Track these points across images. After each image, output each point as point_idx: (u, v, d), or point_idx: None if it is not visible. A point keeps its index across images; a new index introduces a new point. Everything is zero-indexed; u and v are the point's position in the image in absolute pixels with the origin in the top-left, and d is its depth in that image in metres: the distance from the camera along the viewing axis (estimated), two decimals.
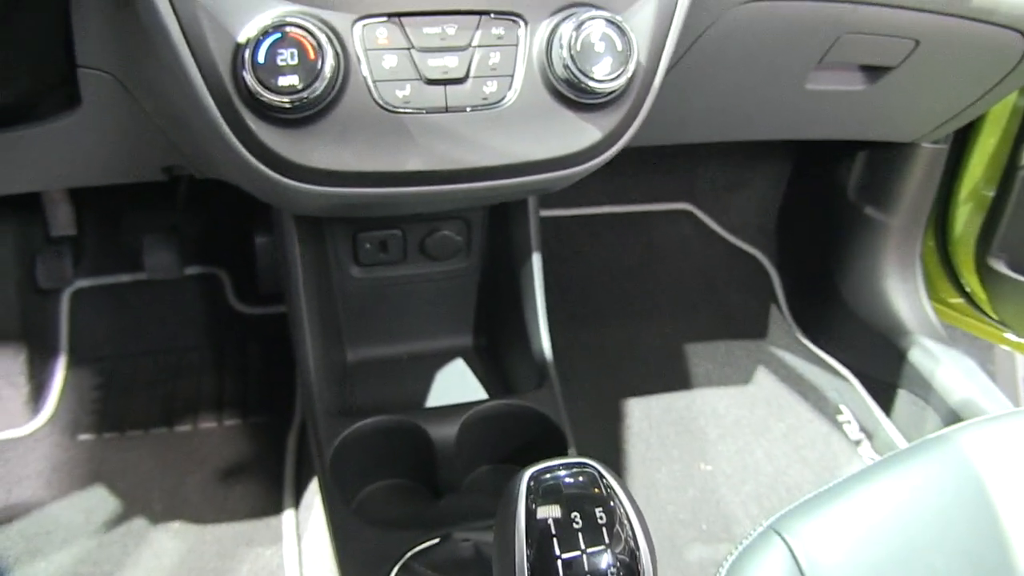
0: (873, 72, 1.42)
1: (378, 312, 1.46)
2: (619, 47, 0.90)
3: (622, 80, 0.91)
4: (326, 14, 0.86)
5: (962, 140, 1.81)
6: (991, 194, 1.78)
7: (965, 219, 1.86)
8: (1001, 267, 1.77)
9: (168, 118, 1.09)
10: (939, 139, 1.77)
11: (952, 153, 1.81)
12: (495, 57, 0.90)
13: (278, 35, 0.82)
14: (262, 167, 0.90)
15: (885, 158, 1.83)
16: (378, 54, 0.87)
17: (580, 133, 0.95)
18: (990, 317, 1.91)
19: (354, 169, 0.90)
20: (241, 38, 0.84)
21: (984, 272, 1.80)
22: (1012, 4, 1.29)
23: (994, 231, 1.75)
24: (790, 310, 2.09)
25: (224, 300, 1.96)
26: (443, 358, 1.47)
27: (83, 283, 1.91)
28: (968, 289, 1.91)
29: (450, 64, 0.89)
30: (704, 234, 2.18)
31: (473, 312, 1.51)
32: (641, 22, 0.94)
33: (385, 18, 0.87)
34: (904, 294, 1.88)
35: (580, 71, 0.89)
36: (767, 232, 2.17)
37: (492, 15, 0.90)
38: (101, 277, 1.93)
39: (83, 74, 1.01)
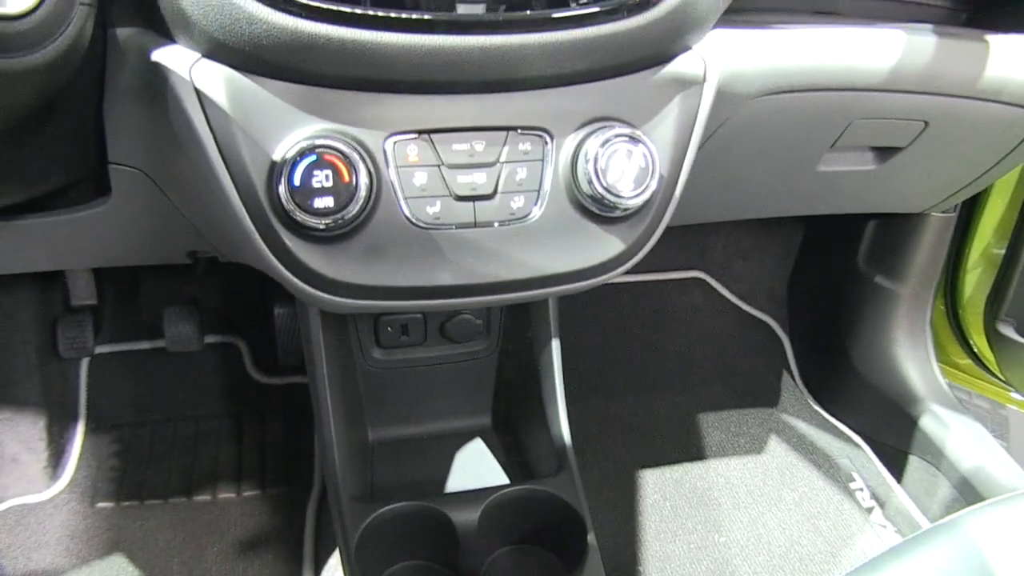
0: (883, 152, 1.45)
1: (399, 393, 1.48)
2: (642, 164, 0.92)
3: (644, 196, 0.94)
4: (358, 131, 0.89)
5: (971, 205, 1.84)
6: (1000, 257, 1.80)
7: (974, 282, 1.88)
8: (1010, 332, 1.79)
9: (197, 213, 1.11)
10: (948, 208, 1.80)
11: (961, 218, 1.84)
12: (522, 173, 0.93)
13: (313, 157, 0.85)
14: (295, 280, 0.93)
15: (895, 228, 1.85)
16: (409, 171, 0.90)
17: (603, 245, 0.98)
18: (998, 378, 1.92)
19: (385, 284, 0.92)
20: (276, 156, 0.88)
21: (993, 336, 1.82)
22: (1019, 83, 1.32)
23: (1003, 295, 1.77)
24: (801, 377, 2.11)
25: (243, 369, 1.98)
26: (462, 438, 1.48)
27: (103, 349, 1.93)
28: (976, 350, 1.92)
29: (479, 180, 0.92)
30: (716, 302, 2.20)
31: (491, 392, 1.52)
32: (662, 134, 0.97)
33: (415, 135, 0.90)
34: (915, 361, 1.89)
35: (605, 188, 0.92)
36: (778, 299, 2.19)
37: (519, 131, 0.92)
38: (121, 344, 1.95)
39: (114, 169, 1.04)
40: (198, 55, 0.87)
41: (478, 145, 0.91)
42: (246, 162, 0.88)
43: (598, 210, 0.95)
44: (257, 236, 0.90)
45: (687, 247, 2.22)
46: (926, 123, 1.34)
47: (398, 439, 1.49)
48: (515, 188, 0.93)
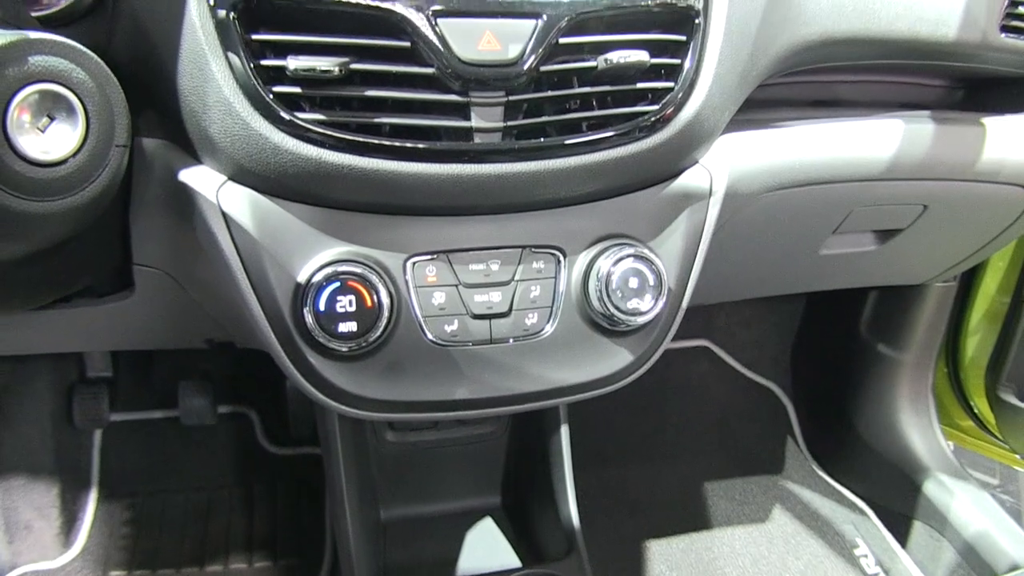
0: (884, 234, 1.49)
1: (411, 473, 1.51)
2: (651, 282, 0.97)
3: (653, 314, 0.98)
4: (379, 254, 0.93)
5: (970, 273, 1.87)
6: (1000, 323, 1.84)
7: (975, 347, 1.91)
8: (1010, 397, 1.82)
9: (218, 311, 1.15)
10: (949, 278, 1.83)
11: (961, 283, 1.88)
12: (536, 290, 0.97)
13: (337, 283, 0.89)
14: (317, 393, 0.97)
15: (896, 297, 1.89)
16: (428, 292, 0.95)
17: (613, 358, 1.02)
18: (999, 439, 1.94)
19: (405, 399, 0.96)
20: (301, 278, 0.91)
21: (994, 400, 1.85)
22: (1015, 163, 1.36)
23: (1004, 361, 1.80)
24: (806, 443, 2.14)
25: (254, 440, 2.01)
26: (473, 517, 1.51)
27: (117, 417, 1.96)
28: (977, 411, 1.95)
29: (494, 299, 0.96)
30: (721, 369, 2.23)
31: (501, 473, 1.56)
32: (670, 249, 1.01)
33: (434, 255, 0.94)
34: (918, 428, 1.92)
35: (614, 307, 0.96)
36: (782, 366, 2.22)
37: (532, 249, 0.96)
38: (134, 412, 1.98)
39: (138, 270, 1.08)
40: (224, 178, 0.90)
41: (494, 264, 0.95)
42: (272, 283, 0.91)
43: (608, 325, 0.99)
44: (282, 353, 0.94)
45: (692, 316, 2.25)
46: (925, 206, 1.38)
47: (410, 518, 1.52)
48: (529, 305, 0.97)
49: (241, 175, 0.90)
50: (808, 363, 2.17)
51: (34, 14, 0.83)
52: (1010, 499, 2.28)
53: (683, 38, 0.95)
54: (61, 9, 0.84)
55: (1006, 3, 1.18)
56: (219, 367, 1.99)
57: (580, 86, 0.92)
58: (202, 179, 0.91)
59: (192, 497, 1.90)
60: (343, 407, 0.96)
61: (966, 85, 1.42)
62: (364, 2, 0.83)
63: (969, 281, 1.86)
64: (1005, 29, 1.19)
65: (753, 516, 1.90)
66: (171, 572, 1.76)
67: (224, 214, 0.90)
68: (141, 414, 1.97)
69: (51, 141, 0.73)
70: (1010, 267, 1.82)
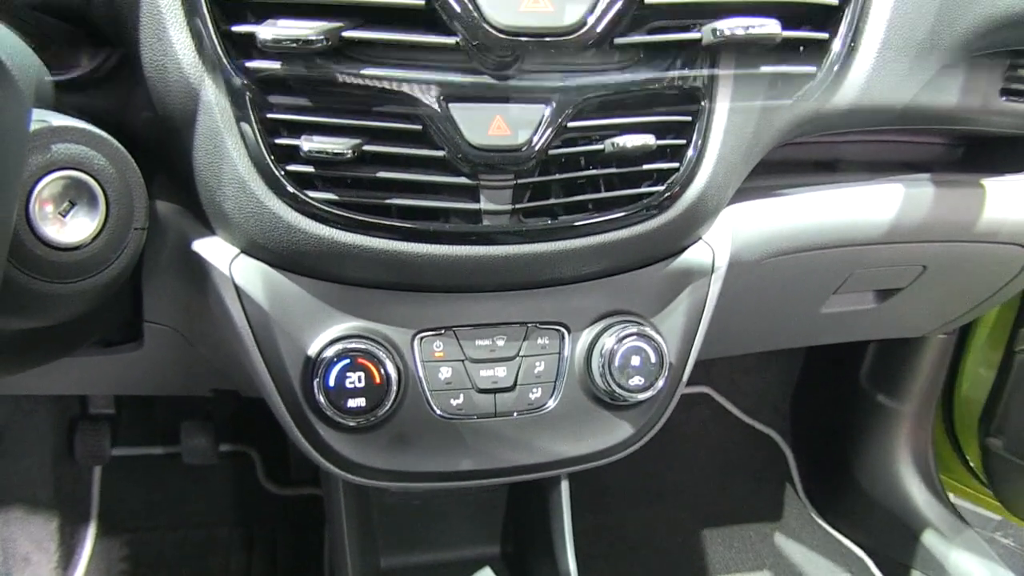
0: (883, 292, 1.51)
1: (411, 522, 1.53)
2: (653, 360, 0.99)
3: (653, 391, 1.00)
4: (388, 329, 0.96)
5: (966, 326, 1.89)
6: (994, 373, 1.85)
7: (969, 399, 1.93)
8: (999, 449, 1.84)
9: (226, 367, 1.17)
10: (948, 330, 1.85)
11: (958, 335, 1.89)
12: (540, 366, 1.00)
13: (347, 360, 0.91)
14: (323, 461, 0.99)
15: (896, 348, 1.91)
16: (435, 366, 0.97)
17: (614, 430, 1.05)
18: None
19: (410, 470, 0.99)
20: (312, 351, 0.94)
21: (984, 451, 1.87)
22: (1014, 223, 1.37)
23: (993, 413, 1.82)
24: (805, 491, 2.15)
25: (255, 479, 2.03)
26: (472, 567, 1.53)
27: (118, 452, 1.97)
28: (972, 464, 1.97)
29: (500, 374, 0.98)
30: (721, 416, 2.25)
31: (501, 523, 1.58)
32: (672, 326, 1.04)
33: (441, 331, 0.97)
34: (917, 478, 1.94)
35: (617, 384, 0.98)
36: (782, 413, 2.24)
37: (537, 325, 0.99)
38: (135, 448, 1.99)
39: (148, 326, 1.10)
40: (237, 250, 0.93)
41: (499, 340, 0.98)
42: (283, 356, 0.94)
43: (610, 400, 1.02)
44: (291, 422, 0.97)
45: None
46: (924, 267, 1.40)
47: (410, 567, 1.54)
48: (533, 380, 1.00)
49: (254, 249, 0.92)
50: (808, 411, 2.19)
51: (54, 78, 0.82)
52: (1013, 543, 2.28)
53: (688, 119, 0.97)
54: (81, 75, 0.86)
55: (1006, 68, 1.20)
56: (221, 407, 2.00)
57: (587, 168, 0.94)
58: (215, 251, 0.93)
59: (191, 534, 1.91)
60: (348, 475, 0.99)
61: (967, 143, 1.43)
62: (377, 85, 0.85)
63: (965, 331, 1.87)
64: (1005, 93, 1.20)
65: (751, 563, 1.92)
66: None
67: (237, 287, 0.92)
68: (142, 450, 1.98)
69: (72, 226, 0.75)
70: (1002, 319, 1.83)
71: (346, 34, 0.79)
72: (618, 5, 0.82)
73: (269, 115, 0.85)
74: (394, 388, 0.93)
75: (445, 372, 0.97)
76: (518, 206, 0.91)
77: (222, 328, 0.96)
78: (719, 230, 1.07)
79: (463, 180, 0.89)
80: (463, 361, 0.97)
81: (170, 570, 1.86)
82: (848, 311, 1.52)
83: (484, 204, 0.90)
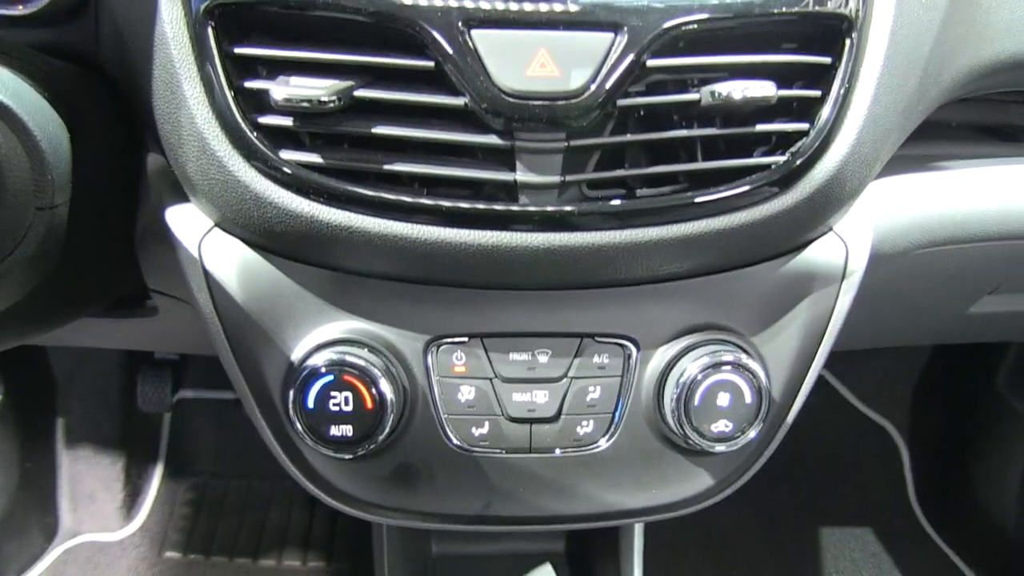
0: None
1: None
2: (748, 400, 0.68)
3: (742, 442, 0.69)
4: (391, 334, 0.68)
5: None
6: None
7: None
8: None
9: None
10: None
11: None
12: (594, 392, 0.70)
13: (330, 377, 0.64)
14: (318, 492, 0.76)
15: None
16: (453, 384, 0.69)
17: (689, 480, 0.75)
18: None
19: (421, 510, 0.74)
20: (295, 357, 0.68)
21: None
22: None
23: None
24: (918, 497, 1.79)
25: None
26: (532, 561, 1.25)
27: (187, 394, 1.81)
28: None
29: (539, 400, 0.70)
30: (833, 401, 1.88)
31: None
32: (778, 351, 0.72)
33: (465, 339, 0.68)
34: None
35: (694, 429, 0.68)
36: (901, 405, 1.85)
37: (595, 337, 0.68)
38: (205, 391, 1.83)
39: (154, 295, 0.88)
40: (211, 223, 0.68)
41: (542, 356, 0.69)
42: (259, 359, 0.69)
43: (683, 444, 0.70)
44: (272, 438, 0.73)
45: None
46: None
47: (464, 555, 1.28)
48: (584, 411, 0.70)
49: (228, 224, 0.67)
50: (931, 408, 1.81)
51: (10, 13, 0.70)
52: None
53: (827, 60, 0.64)
54: (40, 9, 0.70)
55: None
56: None
57: (673, 128, 0.62)
58: (185, 224, 0.69)
59: (255, 484, 1.76)
60: (348, 509, 0.76)
61: None
62: (373, 7, 0.57)
63: None
64: None
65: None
66: (224, 560, 1.64)
67: (206, 271, 0.68)
68: (213, 393, 1.81)
69: None
70: None
71: (357, 93, 0.59)
72: (621, 69, 0.59)
73: (236, 49, 0.60)
74: (390, 415, 0.66)
75: (467, 392, 0.69)
76: (570, 178, 0.60)
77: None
78: (857, 218, 0.74)
79: (492, 140, 0.60)
80: (491, 379, 0.69)
81: (232, 517, 1.71)
82: (1001, 312, 1.15)
83: (522, 174, 0.61)
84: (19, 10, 0.71)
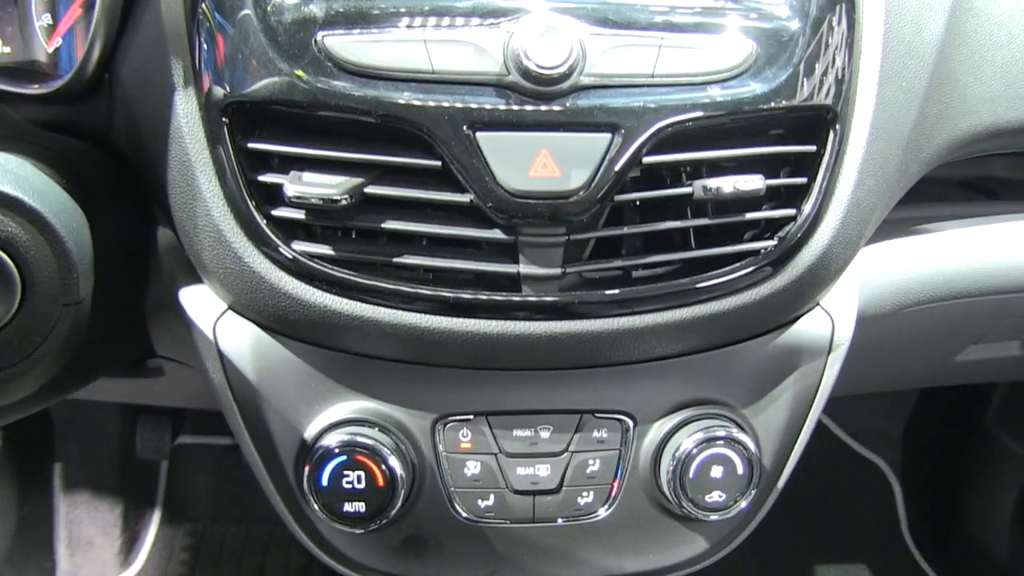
0: None
1: None
2: (740, 472, 0.71)
3: (735, 511, 0.72)
4: (401, 413, 0.71)
5: None
6: None
7: None
8: None
9: None
10: None
11: None
12: (594, 465, 0.74)
13: (344, 458, 0.68)
14: (328, 560, 0.78)
15: None
16: (460, 460, 0.72)
17: (684, 544, 0.79)
18: None
19: None
20: (308, 434, 0.71)
21: None
22: None
23: None
24: (911, 532, 1.81)
25: None
26: None
27: (185, 440, 1.82)
28: None
29: (542, 473, 0.73)
30: (825, 438, 1.91)
31: None
32: (769, 422, 0.76)
33: (471, 417, 0.71)
34: None
35: (689, 499, 0.72)
36: (892, 442, 1.88)
37: (595, 414, 0.72)
38: (203, 437, 1.84)
39: (162, 359, 0.91)
40: (224, 306, 0.71)
41: (544, 432, 0.73)
42: (273, 437, 0.73)
43: (679, 512, 0.74)
44: (285, 511, 0.76)
45: None
46: None
47: None
48: (584, 482, 0.74)
49: (241, 308, 0.71)
50: (922, 444, 1.84)
51: (32, 92, 0.74)
52: None
53: (813, 148, 0.68)
54: (59, 88, 0.73)
55: None
56: None
57: (667, 214, 0.66)
58: (201, 305, 0.73)
59: (253, 530, 1.76)
60: (352, 573, 0.78)
61: None
62: (382, 111, 0.61)
63: None
64: None
65: None
66: None
67: (221, 353, 0.71)
68: (210, 439, 1.82)
69: None
70: None
71: (368, 190, 0.62)
72: (618, 168, 0.62)
73: (250, 145, 0.63)
74: (401, 491, 0.70)
75: (472, 467, 0.73)
76: (571, 269, 0.64)
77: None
78: (842, 292, 0.77)
79: (496, 234, 0.64)
80: (496, 455, 0.73)
81: (230, 563, 1.72)
82: (987, 358, 1.19)
83: (525, 267, 0.64)
84: (35, 89, 0.74)
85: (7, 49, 0.82)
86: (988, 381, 1.39)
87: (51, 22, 0.81)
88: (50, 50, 0.80)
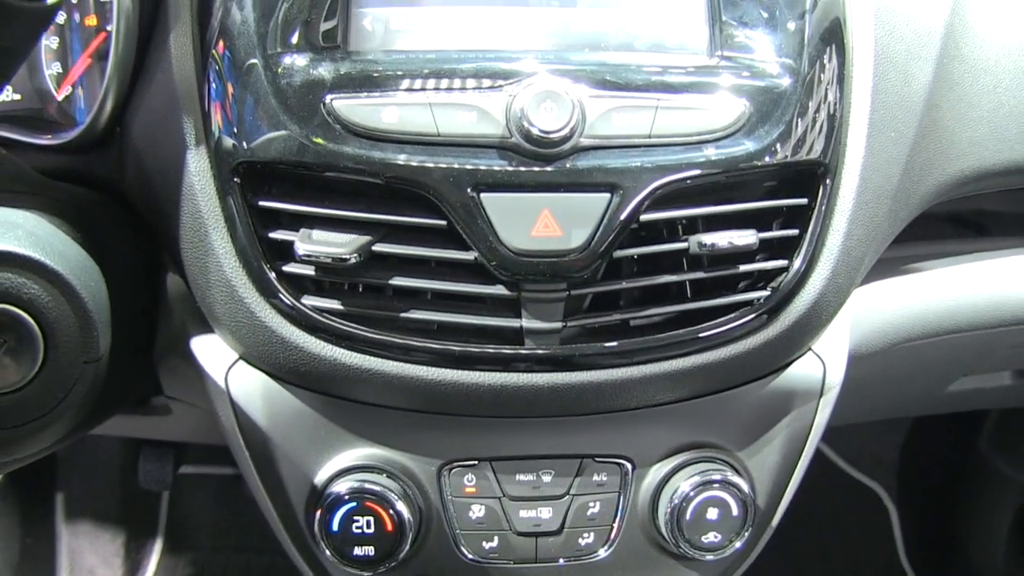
0: None
1: None
2: (735, 513, 0.74)
3: (731, 551, 0.75)
4: (408, 459, 0.74)
5: None
6: None
7: None
8: None
9: None
10: None
11: None
12: (594, 507, 0.76)
13: (353, 504, 0.70)
14: None
15: None
16: (464, 503, 0.75)
17: None
18: None
19: None
20: (318, 480, 0.74)
21: None
22: None
23: None
24: (908, 556, 1.83)
25: None
26: None
27: (187, 470, 1.84)
28: None
29: (544, 515, 0.76)
30: (821, 464, 1.93)
31: None
32: (762, 463, 0.79)
33: (475, 462, 0.74)
34: None
35: (686, 540, 0.74)
36: (888, 467, 1.91)
37: (595, 459, 0.75)
38: (205, 467, 1.85)
39: (170, 399, 0.94)
40: (235, 356, 0.74)
41: (545, 476, 0.75)
42: (284, 482, 0.75)
43: (675, 551, 0.77)
44: (297, 554, 0.79)
45: None
46: None
47: None
48: (585, 524, 0.77)
49: (253, 358, 0.73)
50: (917, 468, 1.86)
51: (44, 142, 0.76)
52: None
53: (804, 201, 0.71)
54: (73, 139, 0.75)
55: None
56: None
57: (663, 272, 0.69)
58: (212, 356, 0.75)
59: (255, 560, 1.78)
60: None
61: None
62: (389, 172, 0.64)
63: None
64: None
65: None
66: None
67: (233, 401, 0.74)
68: (212, 468, 1.84)
69: (3, 365, 0.59)
70: None
71: (376, 248, 0.66)
72: (617, 226, 0.66)
73: (261, 203, 0.66)
74: (409, 535, 0.72)
75: (477, 511, 0.75)
76: (571, 323, 0.67)
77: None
78: (834, 335, 0.80)
79: (500, 291, 0.66)
80: (500, 498, 0.76)
81: None
82: (979, 388, 1.22)
83: (527, 321, 0.67)
84: (47, 139, 0.77)
85: (17, 96, 0.85)
86: (980, 408, 1.40)
87: (61, 71, 0.84)
88: (60, 98, 0.83)
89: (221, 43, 0.68)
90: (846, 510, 1.88)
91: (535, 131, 0.62)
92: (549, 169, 0.64)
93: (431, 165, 0.63)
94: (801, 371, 0.78)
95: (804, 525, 1.84)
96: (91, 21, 0.82)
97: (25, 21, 0.52)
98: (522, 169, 0.63)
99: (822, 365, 0.78)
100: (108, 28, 0.78)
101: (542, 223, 0.64)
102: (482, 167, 0.63)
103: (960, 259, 0.98)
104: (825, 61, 0.71)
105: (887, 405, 1.25)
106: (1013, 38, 0.86)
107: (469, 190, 0.63)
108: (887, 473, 1.89)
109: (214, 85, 0.68)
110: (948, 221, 1.11)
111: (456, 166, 0.63)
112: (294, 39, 0.67)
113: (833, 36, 0.72)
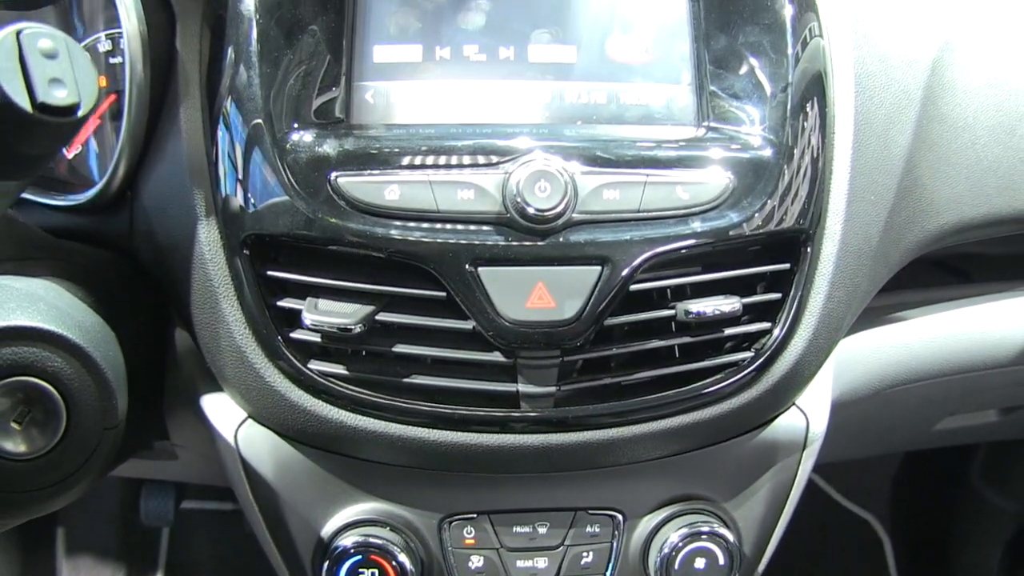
0: (1011, 408, 1.25)
1: None
2: (721, 562, 0.79)
3: None
4: (410, 513, 0.79)
5: None
6: None
7: None
8: None
9: None
10: None
11: None
12: (588, 557, 0.81)
13: (359, 557, 0.75)
14: None
15: (1018, 445, 1.60)
16: (464, 555, 0.79)
17: None
18: None
19: None
20: (324, 533, 0.78)
21: None
22: None
23: None
24: None
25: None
26: None
27: (188, 505, 1.86)
28: None
29: (540, 565, 0.80)
30: (814, 495, 1.97)
31: None
32: (748, 514, 0.84)
33: (474, 515, 0.79)
34: None
35: None
36: (881, 498, 1.95)
37: (588, 511, 0.79)
38: (205, 502, 1.88)
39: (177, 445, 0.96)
40: (244, 415, 0.78)
41: (541, 528, 0.80)
42: (292, 535, 0.79)
43: None
44: None
45: None
46: None
47: None
48: (579, 572, 0.81)
49: (261, 418, 0.77)
50: (910, 499, 1.90)
51: (53, 202, 0.80)
52: None
53: (787, 266, 0.75)
54: (86, 201, 0.79)
55: None
56: None
57: (651, 338, 0.73)
58: (222, 415, 0.79)
59: None
60: None
61: None
62: (391, 247, 0.68)
63: None
64: None
65: None
66: None
67: (242, 458, 0.78)
68: (212, 504, 1.87)
69: (29, 433, 0.62)
70: None
71: (379, 317, 0.70)
72: (608, 297, 0.70)
73: (269, 273, 0.71)
74: None
75: (476, 561, 0.80)
76: (564, 387, 0.71)
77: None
78: (816, 390, 0.84)
79: (497, 358, 0.71)
80: (498, 549, 0.80)
81: None
82: (966, 426, 1.26)
83: (523, 386, 0.72)
84: (58, 200, 0.81)
85: None
86: (970, 442, 1.44)
87: None
88: (70, 157, 0.87)
89: (229, 116, 0.72)
90: (840, 541, 1.91)
91: (530, 209, 0.67)
92: (542, 244, 0.68)
93: (431, 240, 0.68)
94: (785, 424, 0.82)
95: (798, 557, 1.87)
96: (101, 83, 0.85)
97: (56, 131, 0.56)
98: (517, 244, 0.68)
99: (805, 419, 0.83)
100: (118, 90, 0.81)
101: (536, 295, 0.68)
102: (479, 243, 0.68)
103: (943, 305, 1.01)
104: (807, 132, 0.75)
105: (876, 443, 1.30)
106: (991, 96, 0.89)
107: (467, 265, 0.67)
108: (880, 504, 1.92)
109: (223, 159, 0.72)
110: (932, 266, 1.15)
111: (454, 241, 0.68)
112: (299, 113, 0.71)
113: (815, 107, 0.77)
